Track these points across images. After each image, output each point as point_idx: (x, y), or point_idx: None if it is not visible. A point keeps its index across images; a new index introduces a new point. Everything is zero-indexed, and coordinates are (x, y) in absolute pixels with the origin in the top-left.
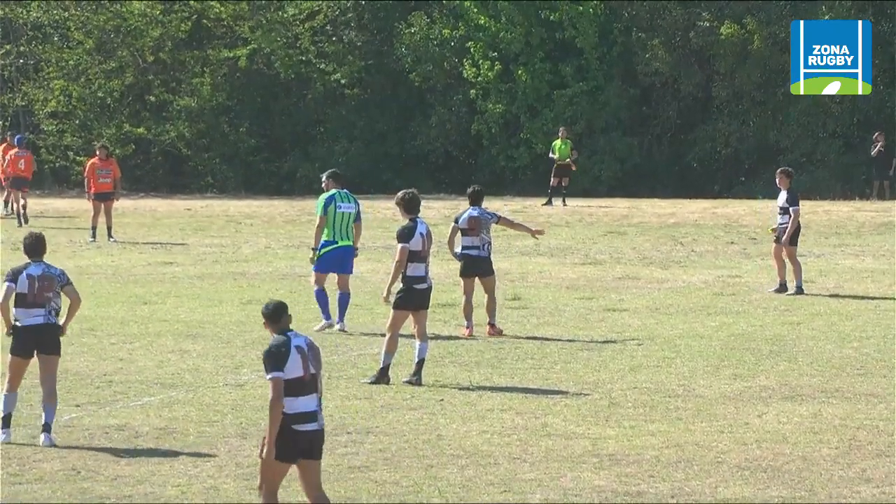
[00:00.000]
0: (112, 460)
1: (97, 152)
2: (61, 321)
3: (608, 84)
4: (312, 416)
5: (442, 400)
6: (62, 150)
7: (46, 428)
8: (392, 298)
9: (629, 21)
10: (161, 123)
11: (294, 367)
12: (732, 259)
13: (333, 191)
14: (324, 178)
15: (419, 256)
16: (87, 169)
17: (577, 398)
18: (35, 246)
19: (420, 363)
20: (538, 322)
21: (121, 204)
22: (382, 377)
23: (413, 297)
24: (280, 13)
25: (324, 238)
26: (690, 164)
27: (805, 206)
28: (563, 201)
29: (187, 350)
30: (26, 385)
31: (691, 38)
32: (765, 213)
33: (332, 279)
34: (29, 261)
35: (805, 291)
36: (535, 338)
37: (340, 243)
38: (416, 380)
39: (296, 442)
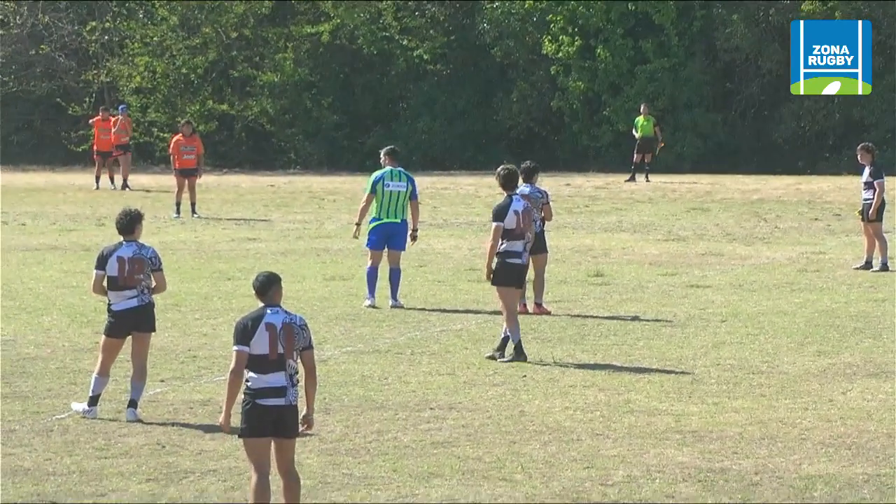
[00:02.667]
0: (196, 435)
1: (181, 129)
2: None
3: (689, 60)
4: (280, 391)
5: (524, 376)
6: (146, 126)
7: (132, 404)
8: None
9: None
10: (244, 99)
11: (260, 344)
12: (816, 235)
13: (387, 168)
14: (382, 154)
15: (514, 234)
16: (171, 145)
17: (660, 374)
18: (128, 224)
19: (505, 339)
20: (621, 298)
21: (204, 180)
22: (519, 355)
23: (510, 273)
24: None
25: (372, 215)
26: (775, 140)
27: (890, 182)
28: (647, 177)
29: None
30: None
31: (771, 14)
32: (849, 189)
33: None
34: (122, 240)
35: (890, 268)
36: (617, 316)
37: (385, 220)
38: (499, 355)
39: (262, 417)
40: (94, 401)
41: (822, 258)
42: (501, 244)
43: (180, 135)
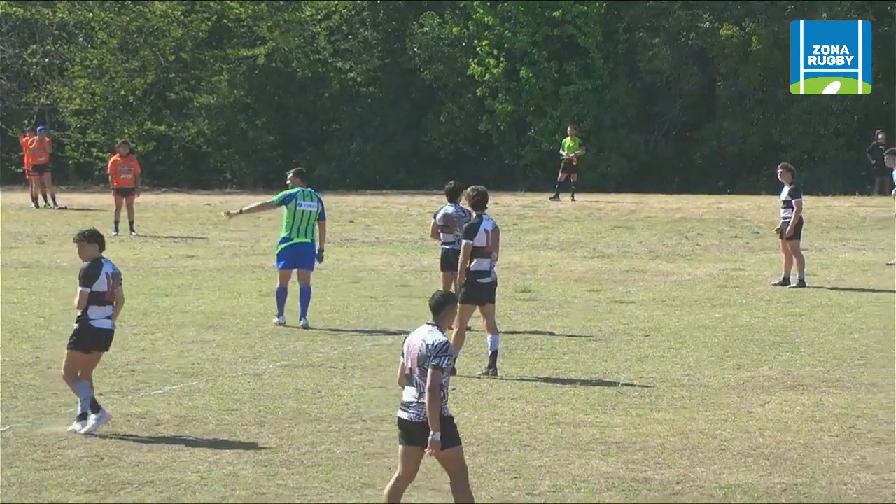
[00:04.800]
0: (134, 447)
1: (118, 149)
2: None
3: (613, 83)
4: (407, 405)
5: (454, 389)
6: (86, 146)
7: (82, 417)
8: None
9: (632, 21)
10: (181, 121)
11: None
12: (736, 252)
13: (297, 189)
14: (289, 175)
15: (483, 252)
16: (109, 165)
17: (586, 387)
18: (103, 241)
19: (493, 355)
20: (547, 314)
21: (143, 199)
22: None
23: (478, 292)
24: (297, 13)
25: (281, 234)
26: (696, 160)
27: (807, 201)
28: (572, 196)
29: (207, 340)
30: (52, 374)
31: (692, 38)
32: (768, 207)
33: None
34: (98, 258)
35: (807, 284)
36: (544, 330)
37: (297, 240)
38: (492, 371)
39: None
40: (83, 416)
41: (741, 275)
42: (471, 263)
43: (117, 155)
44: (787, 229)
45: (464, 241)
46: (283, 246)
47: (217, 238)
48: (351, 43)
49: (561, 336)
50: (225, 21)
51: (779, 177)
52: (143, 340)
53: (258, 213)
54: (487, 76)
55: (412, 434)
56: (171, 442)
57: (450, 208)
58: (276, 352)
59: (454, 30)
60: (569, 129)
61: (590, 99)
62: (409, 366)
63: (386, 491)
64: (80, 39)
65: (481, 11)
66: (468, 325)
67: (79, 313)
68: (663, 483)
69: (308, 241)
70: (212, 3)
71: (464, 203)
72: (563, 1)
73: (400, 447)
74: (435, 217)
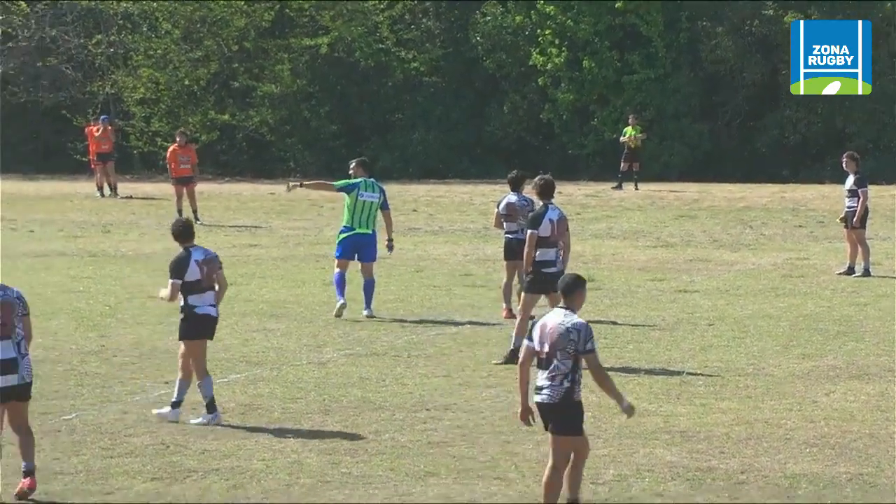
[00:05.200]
0: (199, 435)
1: (177, 139)
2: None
3: (676, 72)
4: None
5: (517, 378)
6: (150, 135)
7: (209, 407)
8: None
9: (694, 10)
10: (245, 110)
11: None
12: (800, 242)
13: (360, 178)
14: (352, 165)
15: (548, 242)
16: (168, 155)
17: (650, 376)
18: (187, 231)
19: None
20: (611, 303)
21: (207, 188)
22: (513, 358)
23: (543, 282)
24: (360, 3)
25: (343, 223)
26: (759, 149)
27: (872, 190)
28: (636, 185)
29: (271, 329)
30: (117, 362)
31: (756, 26)
32: (832, 196)
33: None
34: (182, 247)
35: (872, 273)
36: (608, 320)
37: (358, 230)
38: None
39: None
40: (177, 404)
41: (806, 264)
42: (536, 252)
43: (176, 144)
44: (854, 219)
45: (529, 231)
46: (343, 235)
47: (280, 227)
48: (413, 32)
49: (624, 325)
50: (287, 10)
51: (844, 166)
52: None
53: (316, 190)
54: (550, 65)
55: (546, 416)
56: (236, 430)
57: (513, 197)
58: (340, 340)
59: (517, 19)
60: (630, 117)
61: (652, 88)
62: (545, 349)
63: (544, 480)
64: (145, 29)
65: (543, 1)
66: (532, 314)
67: (181, 304)
68: (728, 473)
69: (369, 231)
70: None
71: (527, 192)
72: None
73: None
74: (498, 206)
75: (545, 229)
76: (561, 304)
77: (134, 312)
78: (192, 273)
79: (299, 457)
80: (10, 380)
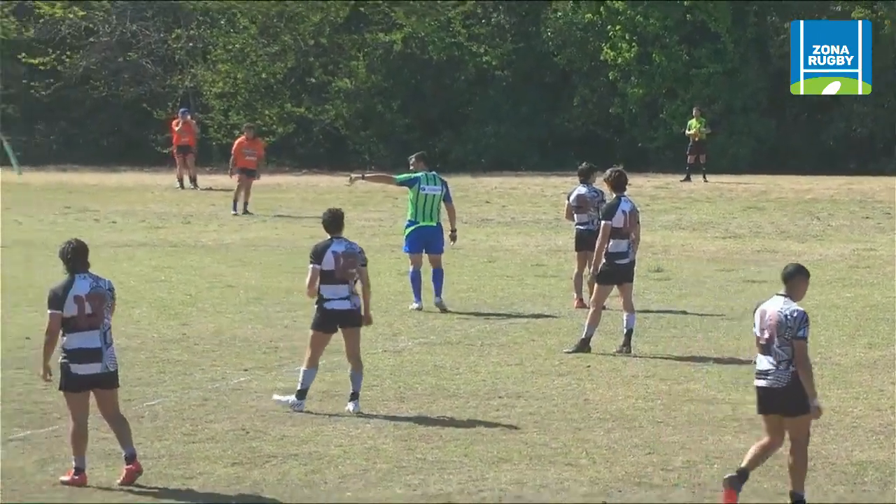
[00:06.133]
0: (278, 421)
1: (244, 132)
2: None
3: (744, 66)
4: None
5: (588, 366)
6: (228, 128)
7: (354, 396)
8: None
9: (762, 5)
10: (320, 104)
11: (328, 263)
12: (867, 233)
13: (421, 172)
14: (412, 160)
15: (621, 233)
16: (234, 147)
17: (718, 365)
18: (335, 222)
19: (628, 334)
20: (680, 293)
21: (285, 179)
22: (583, 346)
23: (615, 273)
24: None
25: (408, 218)
26: (826, 143)
27: None
28: (704, 177)
29: None
30: (198, 350)
31: None
32: None
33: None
34: (330, 237)
35: None
36: (677, 309)
37: (423, 223)
38: (626, 349)
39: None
40: (302, 394)
41: (872, 255)
42: (609, 243)
43: (244, 137)
44: None
45: (602, 222)
46: (409, 229)
47: (356, 218)
48: (485, 28)
49: (693, 315)
50: (362, 7)
51: None
52: (286, 318)
53: (378, 183)
54: (620, 60)
55: (770, 401)
56: (314, 416)
57: (583, 189)
58: (415, 329)
59: (587, 15)
60: (694, 109)
61: (720, 82)
62: (765, 336)
63: (751, 452)
64: (223, 24)
65: None
66: (604, 304)
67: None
68: None
69: (433, 224)
70: None
71: (598, 184)
72: None
73: (762, 416)
74: (569, 198)
75: (618, 220)
76: (781, 291)
77: (214, 301)
78: (328, 263)
79: (375, 442)
80: (94, 368)
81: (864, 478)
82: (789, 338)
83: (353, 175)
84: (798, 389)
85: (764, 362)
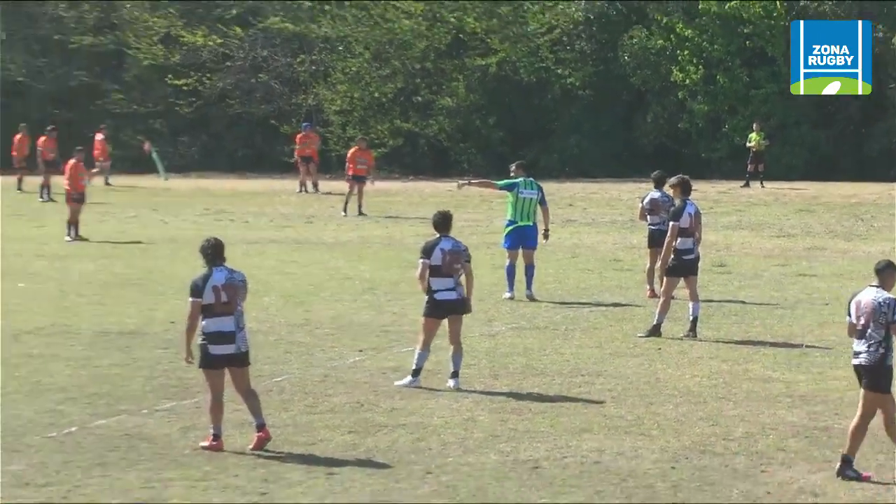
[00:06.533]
0: (389, 395)
1: (358, 143)
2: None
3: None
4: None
5: (659, 349)
6: (345, 140)
7: (454, 374)
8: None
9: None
10: (426, 119)
11: (435, 259)
12: None
13: (520, 178)
14: (512, 168)
15: (687, 232)
16: (349, 155)
17: (773, 348)
18: (444, 222)
19: (694, 320)
20: (740, 285)
21: (394, 186)
22: (655, 332)
23: (682, 267)
24: (524, 27)
25: (507, 218)
26: (869, 153)
27: None
28: (761, 184)
29: None
30: (320, 334)
31: None
32: None
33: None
34: (438, 236)
35: None
36: (737, 299)
37: (521, 223)
38: (692, 334)
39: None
40: (416, 373)
41: None
42: (676, 241)
43: (356, 148)
44: None
45: (671, 223)
46: (509, 228)
47: (457, 219)
48: (570, 53)
49: (751, 304)
50: (461, 35)
51: None
52: (395, 305)
53: (482, 188)
54: (688, 81)
55: (861, 376)
56: (419, 391)
57: (656, 194)
58: (507, 316)
59: (659, 41)
60: (754, 124)
61: (776, 100)
62: (861, 322)
63: (851, 426)
64: (341, 50)
65: (682, 25)
66: (672, 294)
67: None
68: (842, 431)
69: (530, 223)
70: (451, 19)
71: (667, 189)
72: (753, 16)
73: (861, 391)
74: (643, 201)
75: (685, 221)
76: (874, 282)
77: (333, 291)
78: (436, 258)
79: (472, 414)
80: (228, 349)
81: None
82: (884, 322)
83: (461, 181)
84: (882, 369)
85: (859, 345)
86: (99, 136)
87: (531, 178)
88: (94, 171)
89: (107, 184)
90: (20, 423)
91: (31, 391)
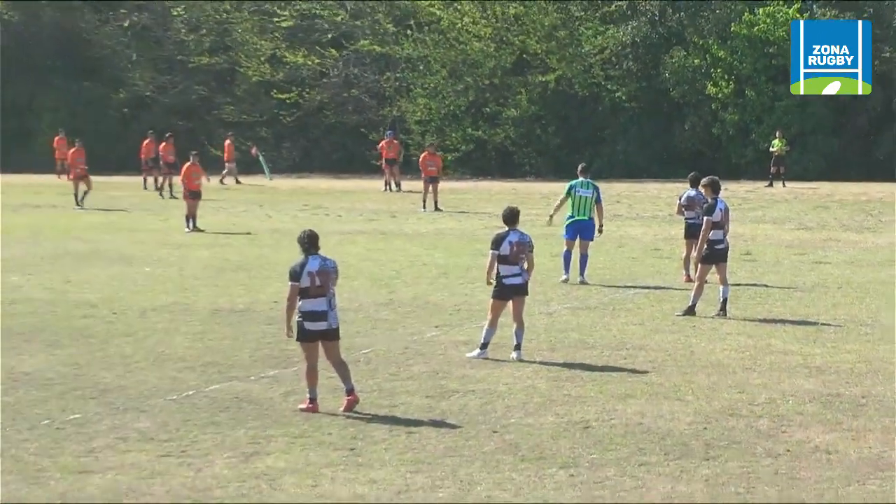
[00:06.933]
0: (460, 365)
1: (427, 149)
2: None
3: (815, 100)
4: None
5: (694, 326)
6: (424, 147)
7: (517, 347)
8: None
9: None
10: (493, 128)
11: (504, 249)
12: None
13: (578, 180)
14: (578, 169)
15: (718, 225)
16: (420, 160)
17: (792, 325)
18: (512, 217)
19: (724, 301)
20: (763, 271)
21: (466, 185)
22: (690, 311)
23: (714, 255)
24: (579, 48)
25: (567, 213)
26: (877, 157)
27: None
28: (783, 184)
29: None
30: (402, 311)
31: (876, 65)
32: None
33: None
34: (507, 229)
35: None
36: (761, 283)
37: (578, 217)
38: (722, 313)
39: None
40: (485, 346)
41: None
42: (709, 234)
43: (426, 153)
44: None
45: (705, 218)
46: (568, 221)
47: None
48: (618, 70)
49: (773, 288)
50: (525, 55)
51: None
52: (466, 288)
53: (558, 211)
54: (720, 94)
55: None
56: (486, 362)
57: (692, 192)
58: (563, 297)
59: (695, 61)
60: (777, 132)
61: (796, 111)
62: None
63: None
64: (421, 69)
65: (716, 47)
66: (706, 279)
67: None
68: (852, 397)
69: (586, 218)
70: (516, 42)
71: (701, 189)
72: (777, 38)
73: None
74: (680, 199)
75: (717, 216)
76: None
77: (413, 275)
78: (504, 249)
79: (532, 382)
80: (321, 325)
81: (866, 408)
82: None
83: (550, 218)
84: None
85: None
86: (227, 142)
87: (589, 180)
88: (225, 171)
89: (237, 182)
90: (146, 387)
91: (155, 360)
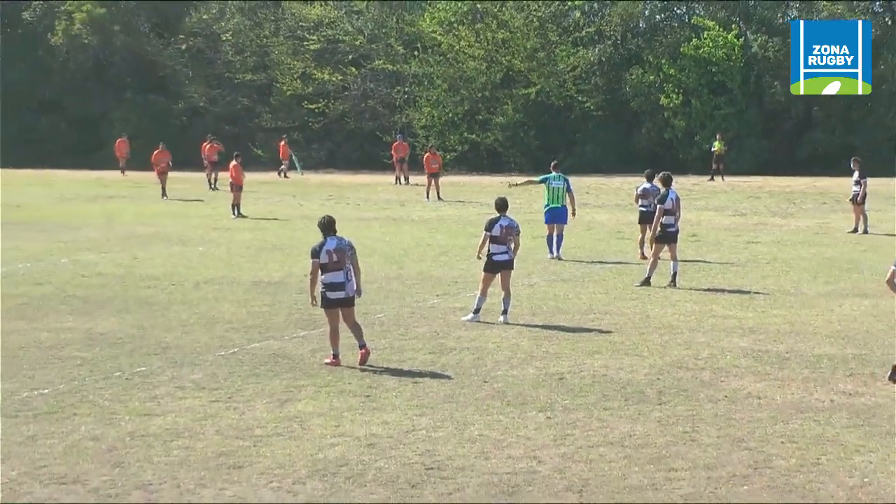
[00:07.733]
0: (457, 327)
1: (428, 149)
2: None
3: (749, 109)
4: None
5: (649, 295)
6: (427, 148)
7: (504, 312)
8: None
9: (760, 71)
10: (485, 132)
11: (496, 231)
12: (825, 213)
13: (552, 174)
14: (552, 164)
15: (670, 212)
16: (424, 158)
17: (730, 294)
18: (503, 205)
19: (674, 275)
20: (706, 250)
21: (461, 179)
22: (646, 283)
23: (667, 236)
24: (555, 66)
25: (544, 202)
26: (800, 157)
27: (870, 181)
28: (722, 178)
29: None
30: (409, 283)
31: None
32: (846, 185)
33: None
34: (498, 215)
35: (870, 232)
36: (704, 260)
37: (552, 205)
38: (672, 284)
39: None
40: (477, 311)
41: (828, 227)
42: (662, 218)
43: (428, 153)
44: (858, 198)
45: (658, 206)
46: (546, 209)
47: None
48: (587, 85)
49: (714, 263)
50: (510, 72)
51: (852, 165)
52: (463, 264)
53: (527, 185)
54: (671, 105)
55: None
56: (478, 324)
57: (647, 185)
58: (542, 272)
59: (651, 77)
60: (717, 135)
61: (733, 119)
62: None
63: None
64: (425, 83)
65: (668, 66)
66: (659, 256)
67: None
68: (778, 353)
69: (559, 205)
70: (503, 61)
71: (655, 182)
72: (718, 58)
73: None
74: (637, 190)
75: (669, 204)
76: None
77: (419, 254)
78: (495, 231)
79: (516, 341)
80: (340, 294)
81: (821, 364)
82: None
83: (511, 183)
84: None
85: None
86: (282, 143)
87: (559, 174)
88: (282, 167)
89: (285, 177)
90: (199, 345)
91: (207, 323)
